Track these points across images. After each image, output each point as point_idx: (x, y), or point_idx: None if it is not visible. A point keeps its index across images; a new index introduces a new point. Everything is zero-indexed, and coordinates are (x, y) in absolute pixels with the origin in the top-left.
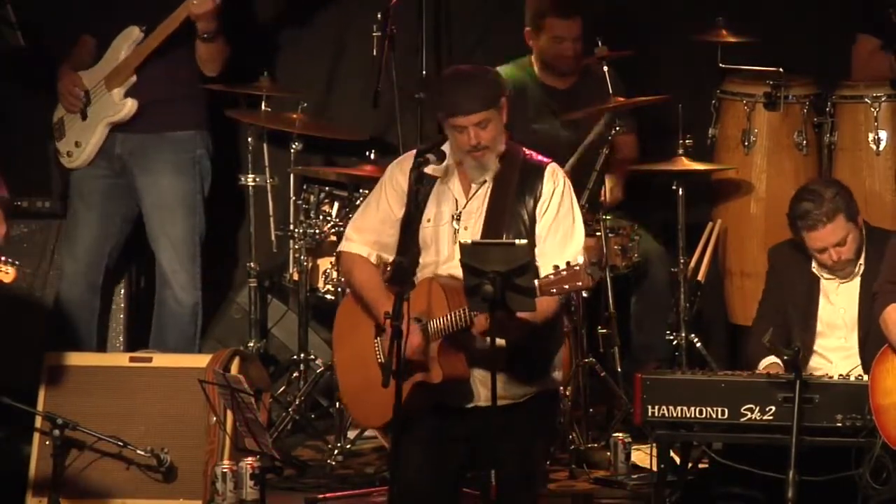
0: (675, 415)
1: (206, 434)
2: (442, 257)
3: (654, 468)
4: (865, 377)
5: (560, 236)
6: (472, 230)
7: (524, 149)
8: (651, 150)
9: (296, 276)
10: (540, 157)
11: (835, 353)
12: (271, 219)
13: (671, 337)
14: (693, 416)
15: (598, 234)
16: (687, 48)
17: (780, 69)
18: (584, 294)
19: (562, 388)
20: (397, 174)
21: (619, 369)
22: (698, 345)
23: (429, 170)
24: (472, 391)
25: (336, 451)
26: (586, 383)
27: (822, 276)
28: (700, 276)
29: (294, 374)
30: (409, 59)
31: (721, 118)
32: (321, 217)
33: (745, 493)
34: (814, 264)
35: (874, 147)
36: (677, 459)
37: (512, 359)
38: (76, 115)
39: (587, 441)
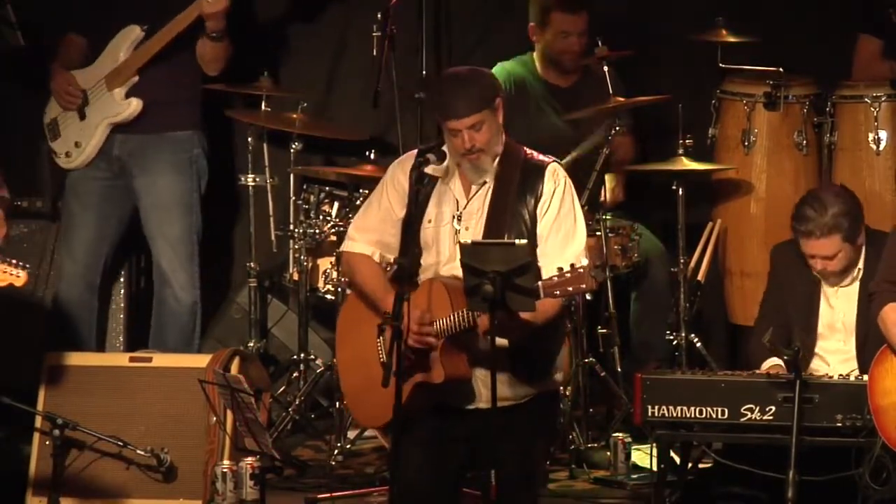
0: (675, 415)
1: (206, 434)
2: (443, 258)
3: (654, 468)
4: (865, 377)
5: (562, 236)
6: (473, 230)
7: (525, 148)
8: (651, 150)
9: (296, 276)
10: (541, 157)
11: (833, 355)
12: (271, 219)
13: (671, 337)
14: (693, 416)
15: (598, 234)
16: (687, 48)
17: (780, 69)
18: (588, 297)
19: (562, 388)
20: (399, 174)
21: (619, 369)
22: (698, 345)
23: (429, 170)
24: (473, 392)
25: (336, 451)
26: (586, 383)
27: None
28: (700, 276)
29: (294, 374)
30: (409, 59)
31: (721, 118)
32: (321, 217)
33: (745, 493)
34: None
35: (874, 147)
36: (677, 459)
37: (514, 359)
38: (72, 114)
39: (587, 441)
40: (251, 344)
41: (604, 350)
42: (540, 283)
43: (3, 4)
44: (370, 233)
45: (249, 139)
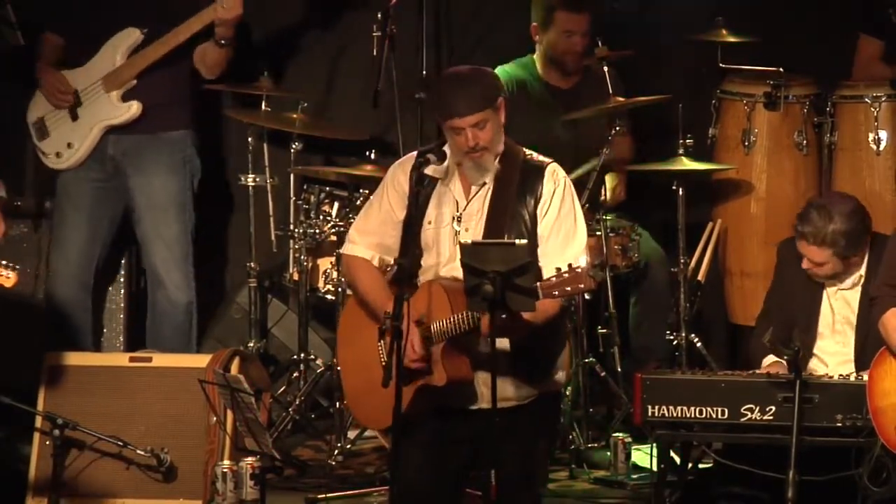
0: (675, 415)
1: (206, 434)
2: (443, 259)
3: (654, 468)
4: (865, 377)
5: (562, 236)
6: (473, 231)
7: (524, 149)
8: (651, 150)
9: (296, 276)
10: (540, 157)
11: (832, 357)
12: (271, 219)
13: (671, 337)
14: (693, 416)
15: (598, 233)
16: (687, 48)
17: (780, 69)
18: (587, 296)
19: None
20: (399, 175)
21: (619, 369)
22: (698, 345)
23: (429, 171)
24: (475, 393)
25: (336, 451)
26: (586, 383)
27: (825, 283)
28: (700, 276)
29: (294, 374)
30: (409, 59)
31: (721, 118)
32: (321, 217)
33: (745, 493)
34: None
35: (874, 147)
36: (677, 459)
37: (517, 360)
38: (62, 114)
39: (587, 441)
40: (251, 344)
41: (604, 350)
42: (538, 283)
43: (3, 4)
44: (370, 235)
45: (249, 139)
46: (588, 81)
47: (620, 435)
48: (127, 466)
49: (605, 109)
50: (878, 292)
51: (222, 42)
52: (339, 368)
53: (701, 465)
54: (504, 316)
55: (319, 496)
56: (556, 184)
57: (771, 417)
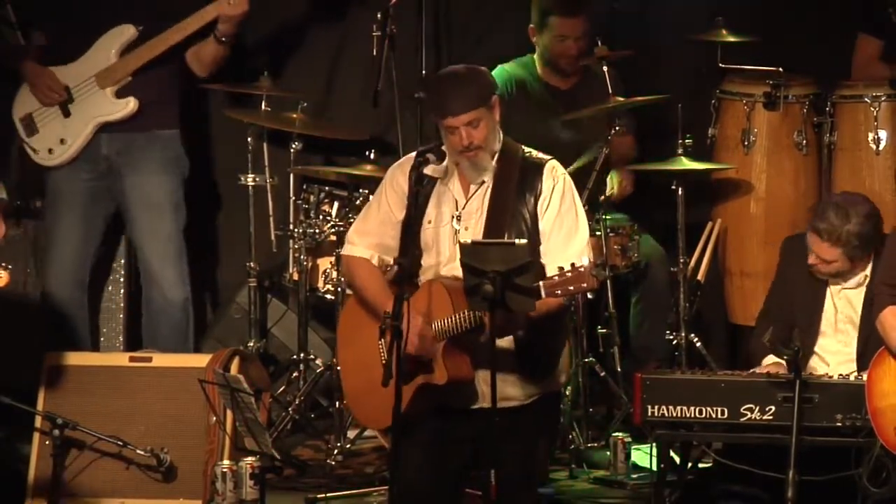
0: (675, 415)
1: (206, 434)
2: (443, 258)
3: (654, 468)
4: (864, 377)
5: (564, 232)
6: (472, 230)
7: (523, 147)
8: (651, 150)
9: (296, 276)
10: (539, 155)
11: (833, 356)
12: (271, 219)
13: (671, 337)
14: (693, 416)
15: (598, 233)
16: (687, 48)
17: (780, 69)
18: (589, 296)
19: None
20: (398, 176)
21: (619, 369)
22: (698, 345)
23: (428, 171)
24: (476, 392)
25: (336, 451)
26: (586, 383)
27: (829, 281)
28: (700, 276)
29: (294, 374)
30: (409, 59)
31: (721, 118)
32: (321, 217)
33: (745, 492)
34: None
35: (874, 147)
36: (677, 459)
37: (520, 360)
38: (52, 111)
39: (587, 441)
40: (251, 344)
41: (604, 350)
42: (541, 282)
43: (3, 4)
44: (370, 236)
45: (249, 139)
46: (588, 81)
47: (620, 435)
48: (127, 466)
49: (605, 109)
50: (876, 291)
51: (223, 39)
52: (338, 368)
53: (701, 465)
54: (502, 315)
55: (319, 496)
56: (556, 180)
57: (771, 417)
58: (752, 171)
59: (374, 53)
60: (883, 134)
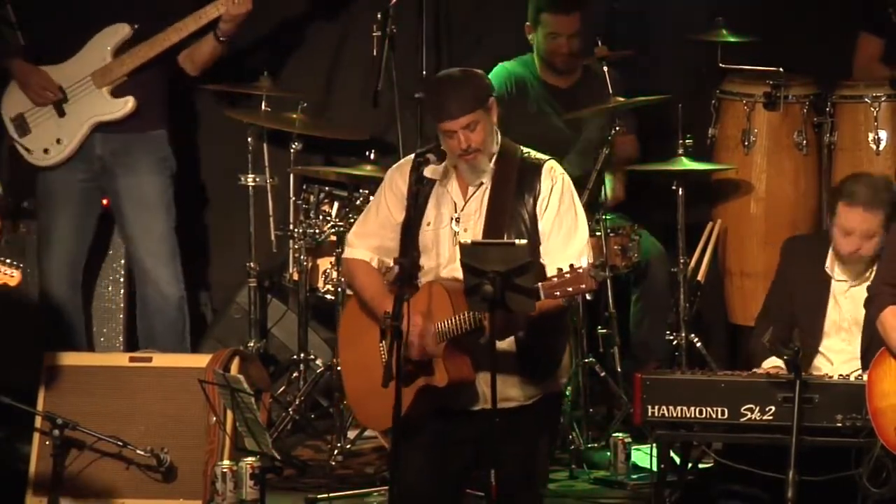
0: (675, 415)
1: (206, 434)
2: (443, 259)
3: (654, 468)
4: (865, 377)
5: (563, 233)
6: (472, 232)
7: (521, 147)
8: (651, 150)
9: (296, 276)
10: (537, 155)
11: (837, 355)
12: (271, 219)
13: (671, 337)
14: (693, 416)
15: (598, 234)
16: (687, 48)
17: (780, 69)
18: (588, 297)
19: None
20: (397, 178)
21: (619, 369)
22: (698, 345)
23: (428, 172)
24: (477, 393)
25: (336, 451)
26: (586, 383)
27: (834, 277)
28: (700, 276)
29: (294, 374)
30: (409, 59)
31: (721, 118)
32: (321, 217)
33: (745, 492)
34: (827, 262)
35: (874, 147)
36: (677, 459)
37: (521, 361)
38: (45, 110)
39: (587, 441)
40: (251, 344)
41: (604, 350)
42: (540, 284)
43: (3, 4)
44: (369, 238)
45: (249, 139)
46: (587, 81)
47: (620, 435)
48: (127, 466)
49: (605, 109)
50: (876, 290)
51: (223, 39)
52: (339, 369)
53: (701, 465)
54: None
55: (319, 496)
56: (554, 181)
57: (771, 417)
58: (752, 172)
59: (374, 53)
60: (883, 134)
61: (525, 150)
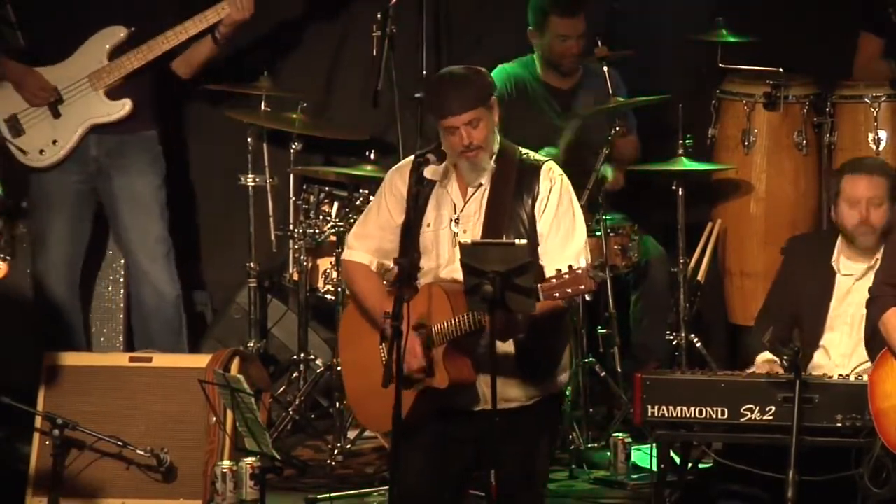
0: (675, 415)
1: (206, 434)
2: (443, 261)
3: (654, 468)
4: (865, 378)
5: (562, 233)
6: (471, 232)
7: (520, 149)
8: (651, 150)
9: (296, 276)
10: (536, 156)
11: (836, 348)
12: (271, 219)
13: (671, 337)
14: (693, 416)
15: (598, 234)
16: (687, 48)
17: (780, 69)
18: (587, 297)
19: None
20: (396, 180)
21: (619, 369)
22: (698, 345)
23: (428, 173)
24: (478, 394)
25: (336, 451)
26: (586, 383)
27: (840, 271)
28: (700, 277)
29: (294, 374)
30: (409, 59)
31: (721, 118)
32: (321, 217)
33: (745, 492)
34: (834, 256)
35: (874, 147)
36: (677, 459)
37: (521, 362)
38: (39, 111)
39: (587, 441)
40: (251, 344)
41: (604, 350)
42: (539, 285)
43: (3, 4)
44: (369, 240)
45: (249, 139)
46: (588, 81)
47: (620, 435)
48: (127, 466)
49: (605, 109)
50: (878, 291)
51: (222, 42)
52: (339, 369)
53: (701, 465)
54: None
55: (319, 496)
56: (553, 182)
57: (771, 417)
58: (752, 172)
59: (374, 53)
60: (883, 134)
61: (524, 151)
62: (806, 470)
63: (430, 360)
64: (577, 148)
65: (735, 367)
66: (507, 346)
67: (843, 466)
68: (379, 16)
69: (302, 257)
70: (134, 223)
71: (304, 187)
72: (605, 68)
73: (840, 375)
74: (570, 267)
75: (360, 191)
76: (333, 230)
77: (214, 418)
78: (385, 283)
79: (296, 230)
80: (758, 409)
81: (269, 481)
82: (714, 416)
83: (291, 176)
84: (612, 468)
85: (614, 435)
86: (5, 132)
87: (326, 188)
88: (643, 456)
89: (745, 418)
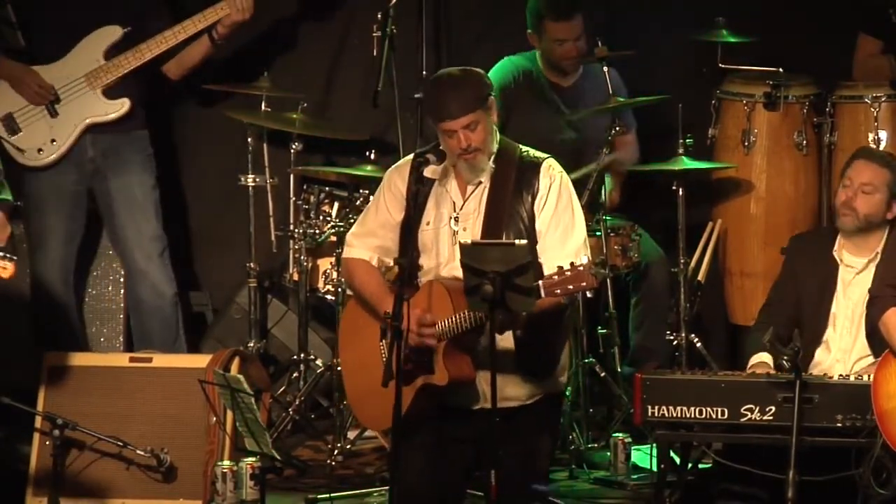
0: (675, 415)
1: (206, 434)
2: (443, 259)
3: (654, 468)
4: (865, 377)
5: (561, 231)
6: (471, 230)
7: (520, 146)
8: (651, 150)
9: (296, 277)
10: (536, 154)
11: (837, 343)
12: (271, 219)
13: (671, 337)
14: (693, 416)
15: (598, 234)
16: (687, 48)
17: (780, 69)
18: (588, 294)
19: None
20: (395, 179)
21: (619, 369)
22: (698, 345)
23: (427, 172)
24: (478, 393)
25: (336, 451)
26: (586, 384)
27: (842, 262)
28: (700, 277)
29: (294, 374)
30: (409, 59)
31: (721, 118)
32: (321, 217)
33: (745, 492)
34: (835, 247)
35: (874, 147)
36: (677, 459)
37: (521, 361)
38: (36, 110)
39: (587, 441)
40: (251, 344)
41: (604, 350)
42: (541, 282)
43: (3, 4)
44: (369, 238)
45: (249, 139)
46: (589, 80)
47: (620, 435)
48: (127, 466)
49: (606, 109)
50: (879, 292)
51: (219, 42)
52: (339, 369)
53: (701, 466)
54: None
55: (319, 496)
56: (552, 179)
57: (771, 417)
58: (752, 172)
59: (375, 53)
60: (883, 134)
61: (524, 148)
62: (806, 470)
63: (432, 326)
64: (578, 149)
65: (735, 368)
66: (507, 344)
67: (844, 466)
68: (379, 16)
69: (302, 257)
70: (130, 222)
71: (305, 187)
72: (605, 68)
73: (840, 375)
74: (571, 264)
75: (361, 191)
76: (333, 230)
77: (214, 418)
78: (386, 281)
79: (296, 230)
80: (758, 409)
81: (269, 481)
82: (714, 417)
83: (291, 176)
84: (612, 468)
85: (614, 435)
86: (2, 131)
87: (326, 188)
88: (643, 456)
89: (745, 418)
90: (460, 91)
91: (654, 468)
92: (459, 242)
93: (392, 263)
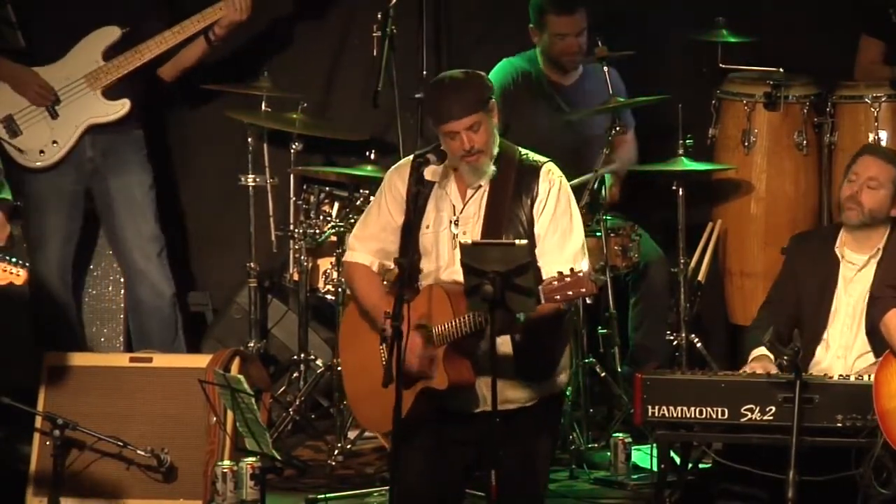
0: (675, 415)
1: (206, 434)
2: (443, 262)
3: (654, 468)
4: (866, 377)
5: (559, 235)
6: (470, 234)
7: (520, 149)
8: (651, 150)
9: (296, 277)
10: (535, 157)
11: (836, 340)
12: (271, 219)
13: (671, 337)
14: (693, 416)
15: (598, 235)
16: (687, 48)
17: (780, 69)
18: (588, 300)
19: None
20: (396, 180)
21: (619, 369)
22: (698, 345)
23: (427, 174)
24: (477, 396)
25: (336, 452)
26: (586, 384)
27: (844, 258)
28: (700, 277)
29: (294, 374)
30: (409, 59)
31: (721, 118)
32: (321, 217)
33: (745, 492)
34: (837, 243)
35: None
36: (677, 459)
37: (520, 364)
38: (37, 111)
39: (587, 442)
40: (251, 344)
41: (604, 350)
42: (540, 287)
43: (3, 4)
44: (370, 241)
45: (249, 139)
46: (589, 79)
47: (621, 435)
48: (127, 466)
49: (606, 109)
50: (880, 293)
51: (216, 43)
52: (339, 370)
53: (701, 466)
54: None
55: (319, 496)
56: (552, 183)
57: (771, 418)
58: (752, 172)
59: (375, 54)
60: (883, 134)
61: (523, 151)
62: (806, 470)
63: (431, 359)
64: (578, 150)
65: (735, 367)
66: (506, 348)
67: (844, 466)
68: (379, 16)
69: (302, 257)
70: (129, 223)
71: (305, 187)
72: (606, 68)
73: (840, 375)
74: (571, 269)
75: (361, 191)
76: (334, 230)
77: (214, 418)
78: (386, 283)
79: (296, 230)
80: (758, 409)
81: (270, 481)
82: (714, 417)
83: (291, 176)
84: (613, 468)
85: (614, 435)
86: (3, 133)
87: (327, 188)
88: (643, 456)
89: (745, 418)
90: (462, 93)
91: (655, 468)
92: (459, 243)
93: (393, 264)
